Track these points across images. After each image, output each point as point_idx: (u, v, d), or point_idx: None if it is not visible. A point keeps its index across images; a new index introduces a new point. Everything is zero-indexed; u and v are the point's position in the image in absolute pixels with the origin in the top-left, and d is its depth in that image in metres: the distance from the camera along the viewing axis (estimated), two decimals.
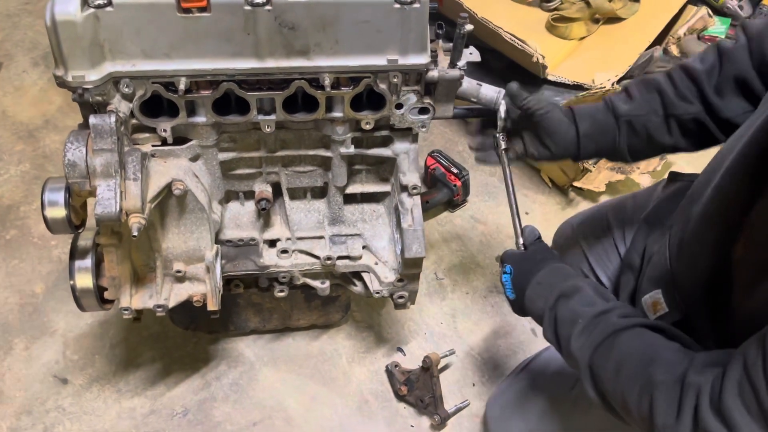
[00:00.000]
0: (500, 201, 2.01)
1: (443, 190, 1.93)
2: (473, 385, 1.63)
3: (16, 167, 1.92)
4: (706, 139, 1.19)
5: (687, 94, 1.15)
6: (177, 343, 1.63)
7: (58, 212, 1.06)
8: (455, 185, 1.92)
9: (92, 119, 1.01)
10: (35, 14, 2.38)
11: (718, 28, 2.25)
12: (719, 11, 2.36)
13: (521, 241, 1.17)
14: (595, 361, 0.95)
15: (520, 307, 1.12)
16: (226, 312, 1.54)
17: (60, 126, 2.03)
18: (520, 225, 1.20)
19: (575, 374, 1.30)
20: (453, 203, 1.98)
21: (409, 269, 1.32)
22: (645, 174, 2.02)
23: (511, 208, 1.22)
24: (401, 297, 1.40)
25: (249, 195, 1.33)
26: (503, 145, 1.22)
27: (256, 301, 1.54)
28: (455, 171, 1.93)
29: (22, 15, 2.38)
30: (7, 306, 1.65)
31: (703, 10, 2.24)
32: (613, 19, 2.11)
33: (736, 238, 0.92)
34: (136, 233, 1.03)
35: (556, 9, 2.08)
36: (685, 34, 2.21)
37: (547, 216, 1.99)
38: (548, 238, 1.32)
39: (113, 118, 1.01)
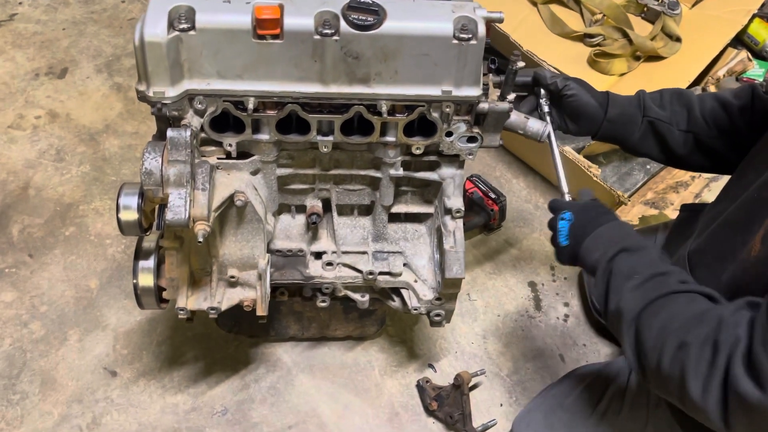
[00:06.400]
0: (534, 227, 2.06)
1: (480, 214, 1.99)
2: (501, 405, 1.68)
3: (77, 168, 2.03)
4: (716, 163, 1.31)
5: (714, 122, 1.26)
6: (219, 344, 1.71)
7: (131, 215, 1.15)
8: (492, 210, 1.97)
9: (170, 132, 1.10)
10: (100, 23, 2.50)
11: (757, 71, 2.29)
12: (759, 55, 2.39)
13: (566, 190, 1.25)
14: (642, 317, 0.96)
15: (571, 254, 1.14)
16: (268, 318, 1.61)
17: (119, 131, 2.14)
18: (567, 182, 1.26)
19: (601, 390, 1.37)
20: (489, 227, 2.04)
21: (448, 289, 1.38)
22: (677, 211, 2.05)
23: (555, 164, 1.30)
24: (438, 315, 1.46)
25: (300, 209, 1.41)
26: (546, 108, 1.34)
27: (298, 310, 1.61)
28: (493, 196, 1.98)
29: (88, 23, 2.50)
30: (63, 299, 1.75)
31: (743, 54, 2.28)
32: (654, 57, 2.15)
33: (751, 239, 0.99)
34: (201, 239, 1.11)
35: (598, 45, 2.14)
36: (724, 75, 2.25)
37: None
38: None
39: (188, 132, 1.10)
